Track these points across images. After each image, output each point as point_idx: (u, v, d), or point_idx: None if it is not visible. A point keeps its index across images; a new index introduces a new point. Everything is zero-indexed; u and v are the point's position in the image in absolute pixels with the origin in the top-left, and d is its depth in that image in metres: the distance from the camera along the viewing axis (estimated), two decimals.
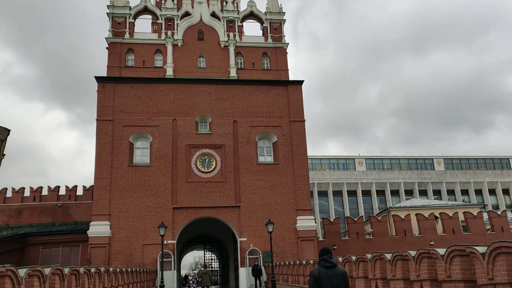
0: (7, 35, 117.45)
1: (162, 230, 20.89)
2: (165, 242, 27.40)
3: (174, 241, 27.94)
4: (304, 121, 31.02)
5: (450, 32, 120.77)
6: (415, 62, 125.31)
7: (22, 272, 8.26)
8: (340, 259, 12.70)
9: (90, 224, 27.63)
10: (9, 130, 52.93)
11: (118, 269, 18.03)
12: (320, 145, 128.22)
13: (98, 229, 27.26)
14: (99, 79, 30.14)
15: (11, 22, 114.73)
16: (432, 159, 68.69)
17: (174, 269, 26.81)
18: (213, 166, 29.45)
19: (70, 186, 39.60)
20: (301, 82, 31.91)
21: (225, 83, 31.37)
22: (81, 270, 12.88)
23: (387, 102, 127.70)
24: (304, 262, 18.53)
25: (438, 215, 37.62)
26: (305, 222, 28.93)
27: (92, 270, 14.17)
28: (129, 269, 20.44)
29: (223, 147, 29.91)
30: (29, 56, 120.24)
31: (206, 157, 29.62)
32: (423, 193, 63.58)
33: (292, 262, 20.85)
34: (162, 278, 20.32)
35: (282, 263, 23.30)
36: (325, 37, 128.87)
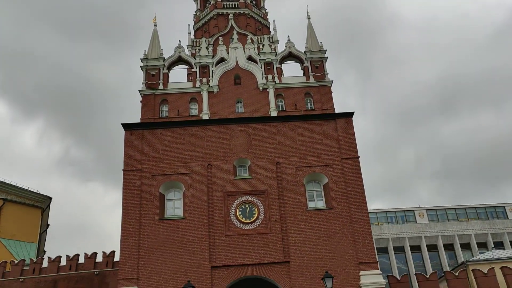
0: (65, 123, 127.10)
1: None
2: None
3: None
4: (358, 157, 26.73)
5: (479, 95, 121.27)
6: (447, 125, 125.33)
7: None
8: None
9: None
10: (50, 198, 51.81)
11: None
12: None
13: None
14: (126, 126, 27.52)
15: (65, 111, 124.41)
16: (504, 206, 61.40)
17: None
18: (255, 216, 25.32)
19: (108, 252, 36.24)
20: (351, 114, 27.98)
21: (265, 121, 27.99)
22: None
23: (425, 165, 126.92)
24: None
25: None
26: (370, 278, 23.68)
27: None
28: None
29: (265, 193, 25.90)
30: (86, 139, 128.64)
31: (247, 206, 25.62)
32: (499, 245, 55.81)
33: None
34: None
35: None
36: (355, 106, 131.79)
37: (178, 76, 35.00)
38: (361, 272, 23.90)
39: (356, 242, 24.61)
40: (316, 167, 26.49)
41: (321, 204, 26.03)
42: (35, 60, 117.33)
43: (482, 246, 56.37)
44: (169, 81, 31.33)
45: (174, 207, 25.96)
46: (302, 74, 31.82)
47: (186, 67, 34.32)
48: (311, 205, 25.94)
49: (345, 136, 27.20)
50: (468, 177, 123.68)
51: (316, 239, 24.69)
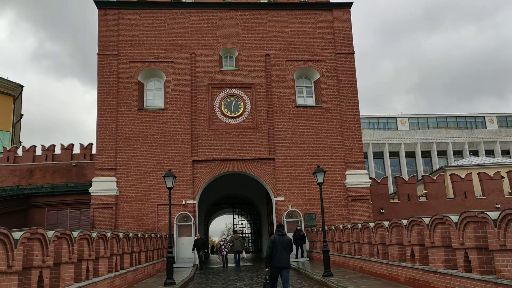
0: (38, 15, 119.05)
1: (170, 181, 14.88)
2: (183, 202, 22.38)
3: (195, 201, 22.77)
4: (354, 53, 24.86)
5: (463, 8, 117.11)
6: (428, 39, 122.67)
7: (17, 235, 6.61)
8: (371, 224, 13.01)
9: (93, 180, 22.74)
10: (22, 86, 49.13)
11: (121, 234, 13.08)
12: None
13: (102, 186, 22.35)
14: (99, 4, 24.57)
15: (37, 4, 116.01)
16: (484, 116, 61.70)
17: (195, 235, 21.72)
18: (241, 110, 23.88)
19: (85, 144, 34.96)
20: (349, 4, 25.50)
21: (255, 7, 25.36)
22: (75, 234, 9.31)
23: (403, 78, 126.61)
24: (371, 225, 12.96)
25: (504, 175, 31.54)
26: (356, 178, 23.20)
27: (94, 234, 10.45)
28: (139, 234, 15.41)
29: (253, 87, 24.23)
30: (60, 33, 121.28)
31: (232, 99, 24.03)
32: (475, 153, 56.82)
33: (350, 226, 15.27)
34: (170, 248, 14.54)
35: (333, 227, 17.76)
36: None
37: None
38: (347, 172, 23.34)
39: (345, 141, 23.70)
40: (308, 61, 24.62)
41: (310, 101, 24.62)
42: None
43: (458, 154, 57.46)
44: None
45: (155, 98, 24.22)
46: None
47: None
48: (300, 101, 24.52)
49: (341, 29, 25.02)
50: (444, 91, 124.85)
51: (303, 136, 23.66)
